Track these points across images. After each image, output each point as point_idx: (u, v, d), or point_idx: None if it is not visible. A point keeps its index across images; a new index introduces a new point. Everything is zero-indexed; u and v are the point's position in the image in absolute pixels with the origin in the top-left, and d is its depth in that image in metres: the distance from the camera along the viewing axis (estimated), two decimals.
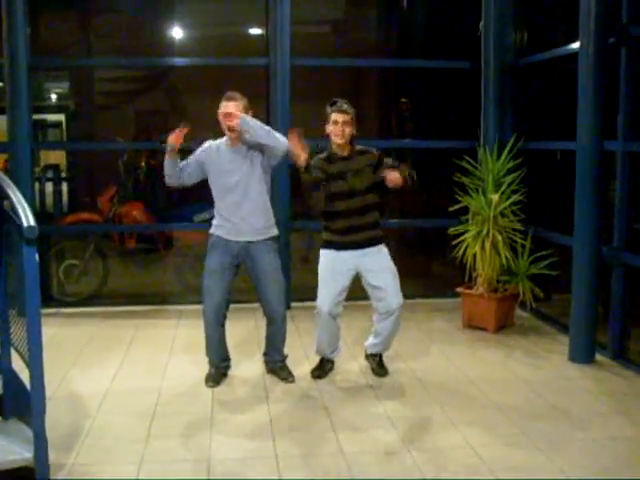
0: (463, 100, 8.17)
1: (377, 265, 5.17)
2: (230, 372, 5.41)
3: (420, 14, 9.68)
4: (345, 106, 5.11)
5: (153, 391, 5.09)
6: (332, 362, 5.50)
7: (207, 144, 5.23)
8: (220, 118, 5.02)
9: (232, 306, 5.33)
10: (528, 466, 4.00)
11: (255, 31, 10.29)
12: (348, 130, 5.09)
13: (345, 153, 5.14)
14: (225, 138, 5.14)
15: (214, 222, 5.24)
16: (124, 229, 8.19)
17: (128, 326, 6.75)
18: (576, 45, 5.77)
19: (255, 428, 4.50)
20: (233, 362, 5.46)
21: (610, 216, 5.72)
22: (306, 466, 4.00)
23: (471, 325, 6.64)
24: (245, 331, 6.47)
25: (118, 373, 5.48)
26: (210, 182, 5.20)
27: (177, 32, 10.13)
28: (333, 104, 5.12)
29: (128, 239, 8.23)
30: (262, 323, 5.48)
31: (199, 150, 5.22)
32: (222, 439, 4.34)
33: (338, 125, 5.07)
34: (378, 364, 5.46)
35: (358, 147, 5.20)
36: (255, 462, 4.05)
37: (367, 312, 5.56)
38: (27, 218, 3.41)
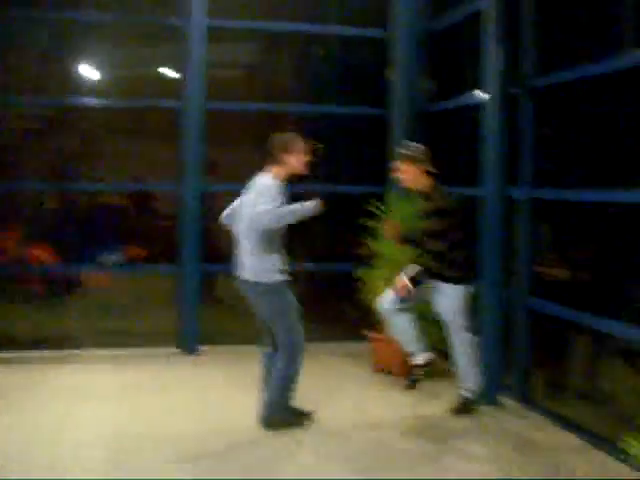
0: (376, 144, 8.29)
1: None
2: None
3: (335, 60, 9.83)
4: (402, 151, 5.53)
5: (50, 444, 4.88)
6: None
7: (276, 181, 5.07)
8: (302, 157, 5.11)
9: None
10: None
11: (172, 74, 10.26)
12: (405, 177, 5.48)
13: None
14: (279, 177, 5.08)
15: (278, 267, 5.05)
16: (29, 270, 7.95)
17: (30, 371, 6.52)
18: (482, 95, 5.95)
19: None
20: None
21: (513, 260, 5.86)
22: None
23: (381, 369, 6.65)
24: None
25: (13, 424, 5.22)
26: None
27: (90, 72, 10.01)
28: None
29: (33, 281, 8.00)
30: None
31: (278, 188, 5.03)
32: None
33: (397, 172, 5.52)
34: None
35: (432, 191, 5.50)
36: None
37: None
38: None
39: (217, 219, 5.36)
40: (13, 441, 4.87)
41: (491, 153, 5.79)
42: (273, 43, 9.98)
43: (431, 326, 5.87)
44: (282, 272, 5.07)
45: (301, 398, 5.39)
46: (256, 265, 5.03)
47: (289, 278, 5.11)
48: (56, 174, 9.52)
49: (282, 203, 4.94)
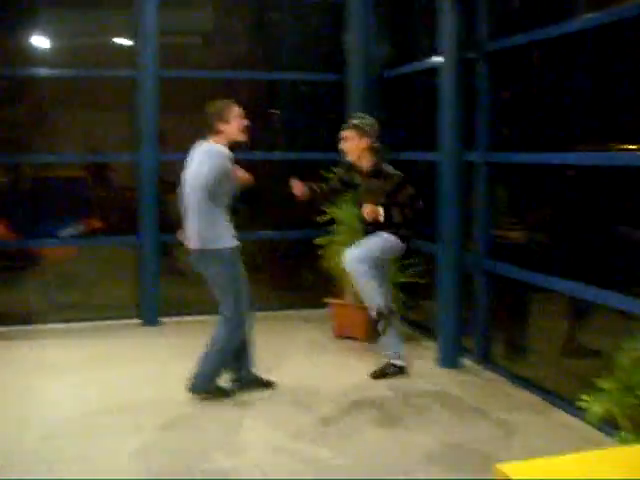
0: (331, 111, 8.27)
1: None
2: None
3: (289, 26, 9.75)
4: (352, 120, 5.43)
5: (16, 419, 4.87)
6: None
7: (226, 151, 4.95)
8: (238, 124, 4.98)
9: None
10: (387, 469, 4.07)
11: (125, 42, 10.10)
12: (348, 145, 5.36)
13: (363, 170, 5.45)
14: (225, 143, 4.97)
15: (228, 233, 4.97)
16: None
17: None
18: (437, 59, 5.96)
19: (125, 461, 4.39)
20: None
21: (472, 224, 5.92)
22: None
23: (342, 335, 6.71)
24: None
25: None
26: (227, 188, 4.95)
27: (43, 41, 9.81)
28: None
29: None
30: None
31: (228, 159, 4.93)
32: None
33: (342, 141, 5.43)
34: None
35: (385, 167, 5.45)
36: None
37: None
38: None
39: (175, 189, 5.28)
40: None
41: (447, 117, 5.80)
42: (228, 9, 9.87)
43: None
44: (229, 239, 4.98)
45: (263, 365, 5.44)
46: (202, 232, 4.93)
47: (237, 246, 5.02)
48: (11, 147, 9.37)
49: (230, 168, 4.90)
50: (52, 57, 9.79)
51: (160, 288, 7.26)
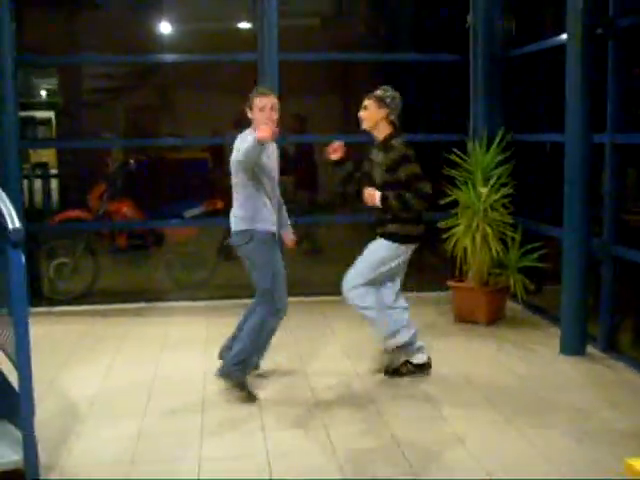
0: (452, 93, 8.15)
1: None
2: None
3: (409, 7, 9.65)
4: (376, 91, 5.20)
5: (144, 389, 5.08)
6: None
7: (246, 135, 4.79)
8: (260, 112, 4.80)
9: None
10: (518, 459, 4.01)
11: (245, 25, 10.25)
12: (365, 114, 5.18)
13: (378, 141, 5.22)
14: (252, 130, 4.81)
15: (262, 217, 4.89)
16: (114, 226, 8.16)
17: (119, 324, 6.74)
18: (563, 37, 5.77)
19: (247, 425, 4.50)
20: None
21: (600, 208, 5.73)
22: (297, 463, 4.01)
23: (462, 319, 6.64)
24: None
25: (109, 372, 5.47)
26: (262, 171, 4.89)
27: (165, 27, 10.07)
28: None
29: (118, 236, 8.20)
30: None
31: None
32: (214, 437, 4.33)
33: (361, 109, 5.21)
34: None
35: (394, 140, 5.14)
36: (246, 459, 4.05)
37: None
38: (12, 220, 3.39)
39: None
40: (106, 386, 5.10)
41: (574, 97, 5.61)
42: None
43: None
44: (266, 224, 4.90)
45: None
46: (239, 214, 4.92)
47: (275, 231, 4.96)
48: (137, 131, 9.70)
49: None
50: (176, 43, 10.05)
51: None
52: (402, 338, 5.20)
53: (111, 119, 10.44)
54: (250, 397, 4.92)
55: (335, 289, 5.38)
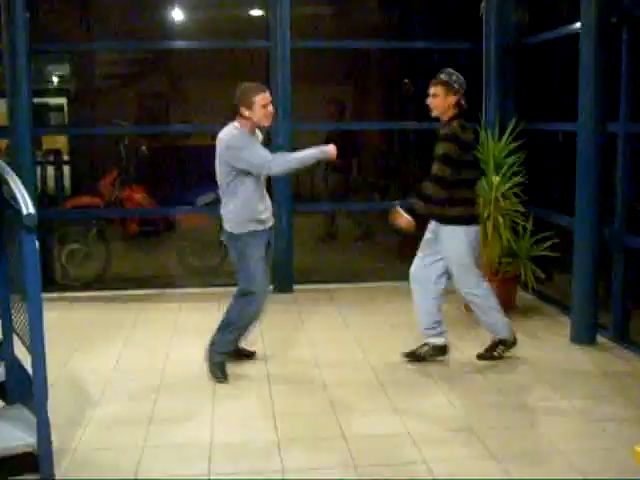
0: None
1: None
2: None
3: None
4: (440, 75, 5.11)
5: (156, 375, 5.12)
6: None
7: (242, 131, 4.94)
8: (261, 108, 4.89)
9: None
10: (529, 449, 4.02)
11: (257, 12, 10.24)
12: (435, 102, 5.09)
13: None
14: (247, 126, 4.95)
15: (248, 216, 4.98)
16: (126, 213, 8.19)
17: (131, 310, 6.77)
18: (577, 25, 5.74)
19: (257, 412, 4.53)
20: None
21: (612, 197, 5.71)
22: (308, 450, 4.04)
23: None
24: None
25: (121, 357, 5.51)
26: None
27: (177, 14, 10.09)
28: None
29: (130, 223, 8.23)
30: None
31: (248, 138, 4.94)
32: (224, 423, 4.36)
33: (429, 97, 5.13)
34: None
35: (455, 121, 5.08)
36: (257, 446, 4.08)
37: None
38: (26, 205, 3.40)
39: None
40: (118, 372, 5.14)
41: (587, 86, 5.60)
42: None
43: None
44: (252, 222, 4.98)
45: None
46: (227, 213, 5.01)
47: (262, 228, 5.03)
48: (149, 118, 9.72)
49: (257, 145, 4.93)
50: (188, 30, 10.06)
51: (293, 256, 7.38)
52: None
53: (123, 106, 10.47)
54: (224, 376, 5.03)
55: None
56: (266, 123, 4.98)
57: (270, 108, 4.95)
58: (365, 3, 10.32)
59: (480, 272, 5.28)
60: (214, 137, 5.08)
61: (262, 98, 4.89)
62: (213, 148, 5.02)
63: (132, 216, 8.21)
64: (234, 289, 5.15)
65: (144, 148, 8.87)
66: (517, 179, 6.61)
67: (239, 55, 9.33)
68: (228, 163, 4.89)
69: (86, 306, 6.97)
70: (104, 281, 7.72)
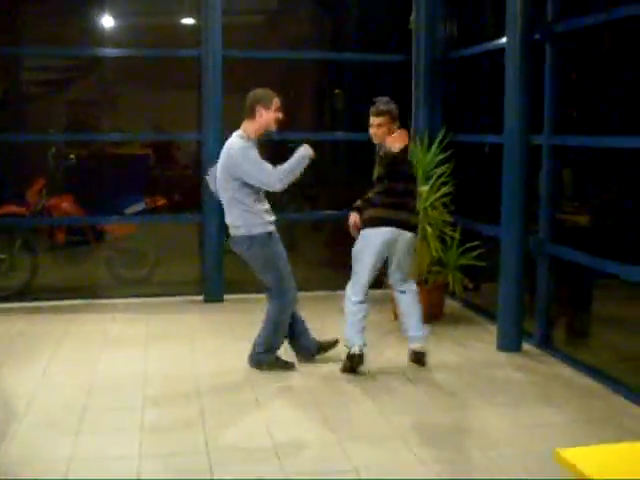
0: (394, 92, 8.23)
1: None
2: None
3: (353, 6, 9.72)
4: (381, 107, 5.27)
5: (83, 388, 5.02)
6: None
7: (248, 143, 5.11)
8: (276, 109, 5.13)
9: None
10: (457, 456, 4.09)
11: (189, 21, 10.18)
12: (379, 132, 5.26)
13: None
14: (254, 132, 5.15)
15: (261, 220, 5.14)
16: (53, 222, 8.02)
17: (58, 321, 6.64)
18: (503, 40, 5.88)
19: (186, 424, 4.50)
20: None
21: (536, 207, 5.86)
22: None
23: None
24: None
25: (47, 370, 5.39)
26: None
27: (108, 21, 9.95)
28: (372, 104, 5.33)
29: (57, 232, 8.07)
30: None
31: (253, 150, 5.11)
32: (153, 435, 4.32)
33: (373, 127, 5.30)
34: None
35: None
36: (185, 459, 4.05)
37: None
38: None
39: None
40: (45, 384, 5.03)
41: (512, 99, 5.73)
42: None
43: None
44: (264, 224, 5.16)
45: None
46: (236, 220, 5.16)
47: (273, 229, 5.22)
48: (78, 125, 9.56)
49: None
50: (119, 37, 9.94)
51: (223, 265, 7.35)
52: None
53: (51, 113, 10.27)
54: (288, 365, 5.37)
55: None
56: (274, 126, 5.20)
57: (280, 114, 5.19)
58: (297, 13, 10.36)
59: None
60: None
61: (277, 101, 5.18)
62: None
63: (59, 225, 8.04)
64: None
65: (72, 156, 8.72)
66: (445, 189, 6.73)
67: (170, 63, 9.26)
68: (234, 176, 5.06)
69: (11, 318, 6.80)
70: (30, 292, 7.55)
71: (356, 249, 5.34)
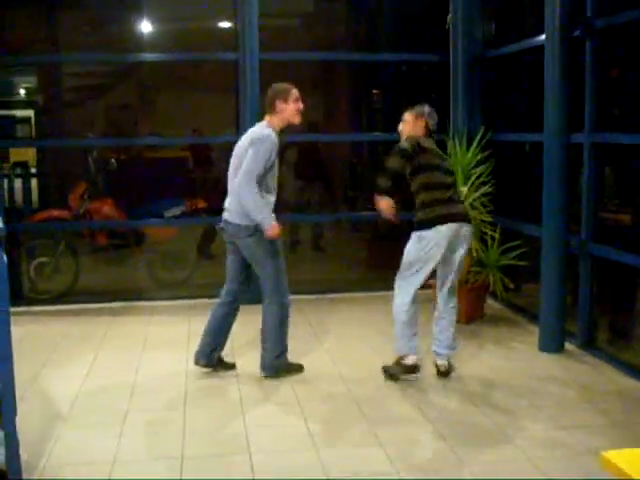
0: (432, 92, 8.21)
1: None
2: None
3: (389, 7, 9.71)
4: (417, 108, 5.29)
5: (126, 389, 5.08)
6: None
7: (271, 134, 5.04)
8: (295, 108, 5.09)
9: None
10: (498, 457, 4.06)
11: (225, 25, 10.26)
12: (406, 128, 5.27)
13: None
14: (277, 124, 5.10)
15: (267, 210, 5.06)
16: (95, 225, 8.12)
17: (100, 323, 6.72)
18: (542, 37, 5.83)
19: (229, 423, 4.52)
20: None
21: (578, 207, 5.79)
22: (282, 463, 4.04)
23: None
24: None
25: (90, 371, 5.46)
26: (269, 171, 5.05)
27: (146, 26, 10.07)
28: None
29: (99, 236, 8.17)
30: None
31: (271, 145, 5.01)
32: (195, 435, 4.35)
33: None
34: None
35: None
36: (230, 459, 4.07)
37: None
38: None
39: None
40: (88, 386, 5.09)
41: (552, 97, 5.67)
42: None
43: None
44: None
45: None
46: (240, 210, 5.05)
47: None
48: (117, 130, 9.68)
49: (272, 158, 4.98)
50: (157, 42, 10.05)
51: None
52: None
53: (92, 118, 10.42)
54: (299, 368, 5.35)
55: None
56: (297, 119, 5.15)
57: (301, 104, 5.13)
58: (333, 15, 10.38)
59: None
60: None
61: (296, 92, 5.13)
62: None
63: (101, 229, 8.14)
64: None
65: (113, 161, 8.82)
66: (485, 189, 6.69)
67: (208, 68, 9.34)
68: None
69: (55, 320, 6.90)
70: (73, 295, 7.66)
71: (414, 255, 5.15)
